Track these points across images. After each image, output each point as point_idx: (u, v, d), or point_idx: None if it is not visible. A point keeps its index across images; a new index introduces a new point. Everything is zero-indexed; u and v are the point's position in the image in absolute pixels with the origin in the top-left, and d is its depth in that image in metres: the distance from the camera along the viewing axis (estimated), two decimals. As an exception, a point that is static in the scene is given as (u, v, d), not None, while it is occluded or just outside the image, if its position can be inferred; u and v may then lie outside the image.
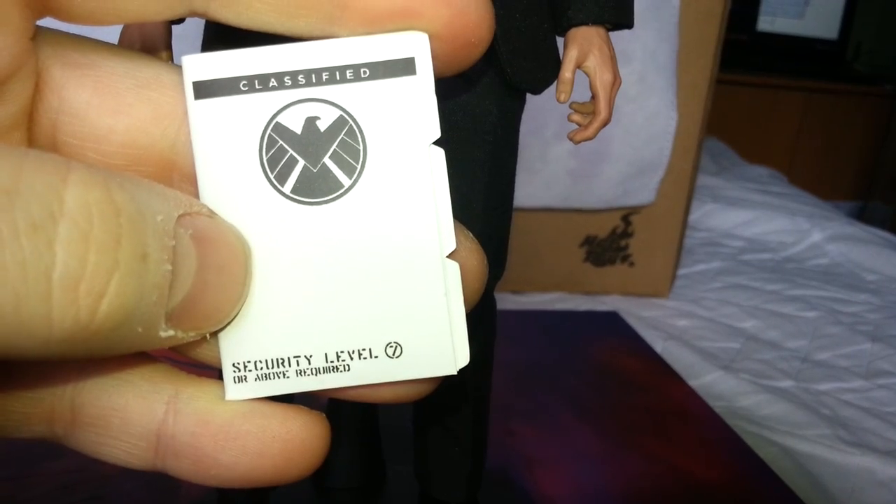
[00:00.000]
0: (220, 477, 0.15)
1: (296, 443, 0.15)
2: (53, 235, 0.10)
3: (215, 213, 0.13)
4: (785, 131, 2.25)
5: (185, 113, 0.14)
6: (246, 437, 0.15)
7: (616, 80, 0.34)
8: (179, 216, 0.12)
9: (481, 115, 0.33)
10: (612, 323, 0.80)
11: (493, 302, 0.39)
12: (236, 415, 0.15)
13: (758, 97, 2.19)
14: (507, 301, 0.85)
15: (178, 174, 0.14)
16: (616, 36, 0.35)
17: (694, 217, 1.16)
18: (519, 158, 0.37)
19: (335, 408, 0.48)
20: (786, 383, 0.73)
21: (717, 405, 0.65)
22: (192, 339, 0.13)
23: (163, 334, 0.12)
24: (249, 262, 0.13)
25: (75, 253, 0.10)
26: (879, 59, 2.35)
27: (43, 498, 0.46)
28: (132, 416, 0.15)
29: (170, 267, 0.12)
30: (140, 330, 0.12)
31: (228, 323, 0.14)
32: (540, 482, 0.52)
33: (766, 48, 2.24)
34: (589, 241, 0.88)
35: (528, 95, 0.35)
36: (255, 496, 0.43)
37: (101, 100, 0.14)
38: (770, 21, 2.24)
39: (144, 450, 0.15)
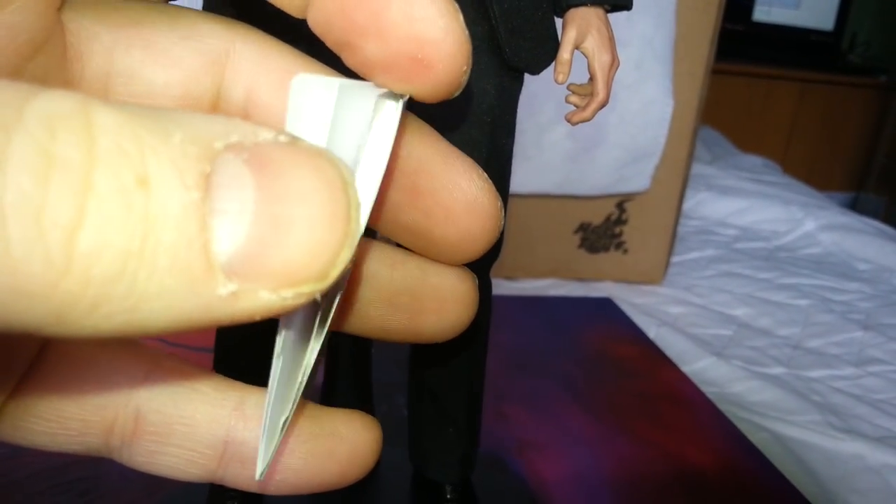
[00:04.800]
0: (286, 482, 0.15)
1: (359, 443, 0.15)
2: (3, 149, 0.08)
3: (300, 139, 0.10)
4: (779, 121, 2.25)
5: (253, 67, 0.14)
6: (316, 440, 0.15)
7: (614, 62, 0.33)
8: (230, 144, 0.10)
9: (479, 95, 0.33)
10: (606, 309, 0.80)
11: (488, 284, 0.39)
12: (306, 417, 0.15)
13: (753, 87, 2.20)
14: (501, 287, 0.85)
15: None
16: (613, 22, 0.34)
17: (688, 205, 1.16)
18: (514, 143, 0.37)
19: (329, 391, 0.48)
20: (777, 370, 0.73)
21: (709, 391, 0.65)
22: (290, 303, 0.10)
23: (223, 291, 0.09)
24: (352, 190, 0.10)
25: (31, 171, 0.08)
26: (874, 50, 2.36)
27: (35, 477, 0.46)
28: (200, 424, 0.14)
29: (198, 194, 0.09)
30: (170, 282, 0.09)
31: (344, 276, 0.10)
32: (532, 465, 0.52)
33: (762, 38, 2.24)
34: (583, 228, 0.88)
35: (526, 79, 0.35)
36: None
37: (153, 56, 0.14)
38: (766, 11, 2.24)
39: (209, 458, 0.15)
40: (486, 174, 0.15)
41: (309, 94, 0.12)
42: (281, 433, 0.14)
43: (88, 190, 0.08)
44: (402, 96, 0.13)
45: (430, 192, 0.15)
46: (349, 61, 0.13)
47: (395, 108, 0.13)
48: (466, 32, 0.12)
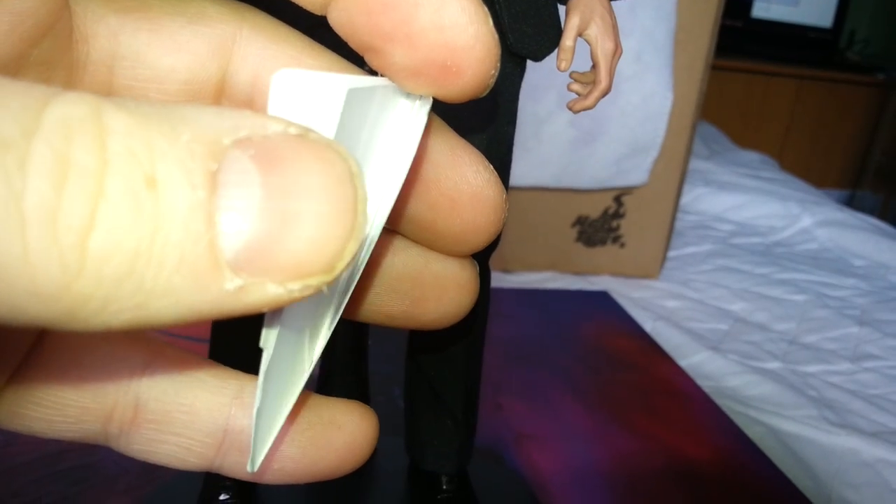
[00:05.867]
0: (283, 471, 0.15)
1: (356, 433, 0.15)
2: (25, 155, 0.08)
3: (311, 131, 0.10)
4: (777, 118, 2.26)
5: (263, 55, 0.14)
6: (315, 429, 0.15)
7: (617, 50, 0.33)
8: (238, 139, 0.10)
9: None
10: (603, 303, 0.80)
11: (487, 273, 0.39)
12: (304, 407, 0.15)
13: (751, 83, 2.20)
14: (498, 279, 0.85)
15: (227, 101, 0.14)
16: (614, 12, 0.34)
17: (685, 200, 1.16)
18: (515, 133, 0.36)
19: (326, 382, 0.48)
20: (773, 365, 0.74)
21: (705, 385, 0.65)
22: (297, 295, 0.10)
23: (229, 286, 0.10)
24: (359, 181, 0.10)
25: (49, 177, 0.08)
26: (872, 47, 2.36)
27: (32, 465, 0.45)
28: (200, 413, 0.14)
29: (204, 193, 0.09)
30: (179, 280, 0.09)
31: (351, 266, 0.11)
32: (529, 457, 0.52)
33: (761, 35, 2.24)
34: (581, 222, 0.87)
35: (527, 69, 0.35)
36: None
37: (160, 40, 0.14)
38: (765, 8, 2.24)
39: (208, 447, 0.15)
40: (491, 166, 0.15)
41: (300, 89, 0.11)
42: (278, 427, 0.14)
43: (100, 193, 0.09)
44: (425, 97, 0.13)
45: (435, 183, 0.15)
46: (374, 63, 0.13)
47: (422, 111, 0.13)
48: (496, 36, 0.12)
